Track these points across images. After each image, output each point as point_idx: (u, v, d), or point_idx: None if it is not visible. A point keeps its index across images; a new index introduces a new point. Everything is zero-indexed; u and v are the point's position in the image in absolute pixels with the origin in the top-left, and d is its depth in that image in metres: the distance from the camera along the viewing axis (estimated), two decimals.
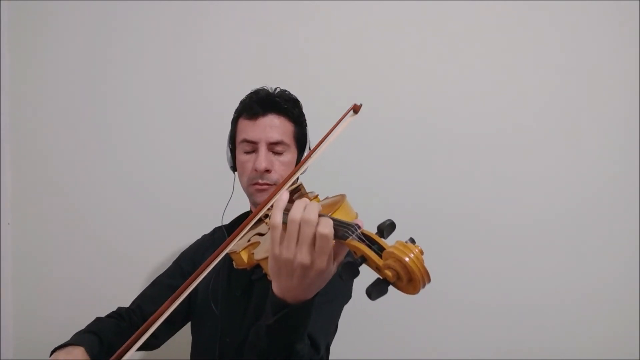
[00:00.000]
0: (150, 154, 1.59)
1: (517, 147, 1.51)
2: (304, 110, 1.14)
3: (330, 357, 1.12)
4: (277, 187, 0.84)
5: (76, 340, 1.00)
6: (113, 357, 0.68)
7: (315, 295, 0.71)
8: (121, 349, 0.68)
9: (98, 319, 1.12)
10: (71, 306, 1.61)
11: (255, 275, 1.01)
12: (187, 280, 0.74)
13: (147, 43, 1.59)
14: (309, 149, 1.14)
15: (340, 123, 0.86)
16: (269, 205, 0.83)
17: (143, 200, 1.59)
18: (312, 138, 1.13)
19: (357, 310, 1.05)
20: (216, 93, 1.57)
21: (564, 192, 1.50)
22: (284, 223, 0.67)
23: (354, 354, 1.50)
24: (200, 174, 1.58)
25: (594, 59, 1.49)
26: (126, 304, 1.58)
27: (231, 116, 1.15)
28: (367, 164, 1.54)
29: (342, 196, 0.85)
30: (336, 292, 0.97)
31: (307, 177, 1.15)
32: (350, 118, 0.88)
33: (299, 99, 1.14)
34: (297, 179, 1.14)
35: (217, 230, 1.27)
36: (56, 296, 1.61)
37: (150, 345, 1.12)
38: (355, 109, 0.88)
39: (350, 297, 1.06)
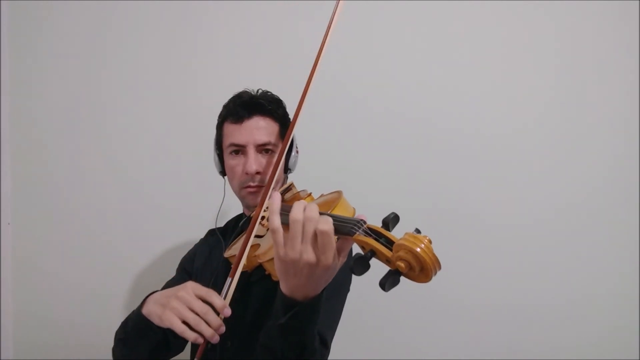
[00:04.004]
0: (150, 155, 1.59)
1: (518, 147, 1.51)
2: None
3: (330, 358, 1.12)
4: (275, 166, 0.87)
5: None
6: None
7: (323, 290, 0.72)
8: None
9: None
10: (71, 306, 1.61)
11: (254, 277, 1.00)
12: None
13: (146, 43, 1.59)
14: (296, 147, 1.13)
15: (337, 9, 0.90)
16: (264, 207, 0.86)
17: (142, 200, 1.59)
18: (304, 135, 1.13)
19: (357, 310, 1.05)
20: (214, 93, 1.56)
21: (564, 192, 1.50)
22: (284, 224, 0.68)
23: (354, 354, 1.50)
24: (201, 176, 1.58)
25: (594, 59, 1.49)
26: (125, 304, 1.59)
27: None
28: (365, 163, 1.54)
29: (339, 193, 0.86)
30: (338, 285, 0.97)
31: (310, 176, 1.15)
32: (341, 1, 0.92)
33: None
34: (287, 177, 1.15)
35: (210, 233, 1.26)
36: (56, 296, 1.61)
37: (174, 350, 1.11)
38: None
39: (349, 288, 1.06)
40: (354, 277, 1.04)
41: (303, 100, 0.94)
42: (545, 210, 1.50)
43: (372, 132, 1.54)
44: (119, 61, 1.60)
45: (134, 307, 1.64)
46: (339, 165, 1.53)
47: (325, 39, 0.92)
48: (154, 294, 0.92)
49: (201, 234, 1.34)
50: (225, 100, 1.16)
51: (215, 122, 1.24)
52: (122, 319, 1.50)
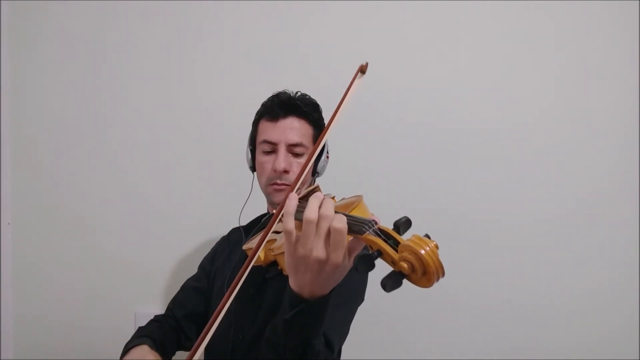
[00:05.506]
0: (150, 155, 1.59)
1: (519, 147, 1.51)
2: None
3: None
4: (302, 168, 0.86)
5: (134, 342, 1.05)
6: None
7: (332, 292, 0.72)
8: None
9: (141, 328, 1.15)
10: (71, 306, 1.61)
11: (270, 273, 1.02)
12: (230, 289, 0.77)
13: (147, 44, 1.59)
14: (327, 152, 1.16)
15: (351, 87, 0.85)
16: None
17: (142, 201, 1.59)
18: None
19: (364, 310, 1.05)
20: (216, 96, 1.56)
21: (565, 192, 1.50)
22: (299, 220, 0.68)
23: (356, 353, 1.50)
24: (199, 179, 1.58)
25: (594, 58, 1.49)
26: (125, 304, 1.59)
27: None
28: (367, 164, 1.54)
29: (359, 197, 0.86)
30: (350, 294, 0.98)
31: (336, 182, 1.16)
32: (359, 80, 0.87)
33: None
34: (314, 180, 1.17)
35: (234, 231, 1.29)
36: (56, 297, 1.61)
37: (187, 347, 1.14)
38: (363, 69, 0.86)
39: (363, 299, 1.06)
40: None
41: (339, 108, 0.89)
42: (547, 210, 1.50)
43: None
44: (120, 61, 1.60)
45: (133, 307, 1.65)
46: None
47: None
48: (137, 349, 1.00)
49: (205, 235, 1.33)
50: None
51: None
52: (122, 319, 1.51)
